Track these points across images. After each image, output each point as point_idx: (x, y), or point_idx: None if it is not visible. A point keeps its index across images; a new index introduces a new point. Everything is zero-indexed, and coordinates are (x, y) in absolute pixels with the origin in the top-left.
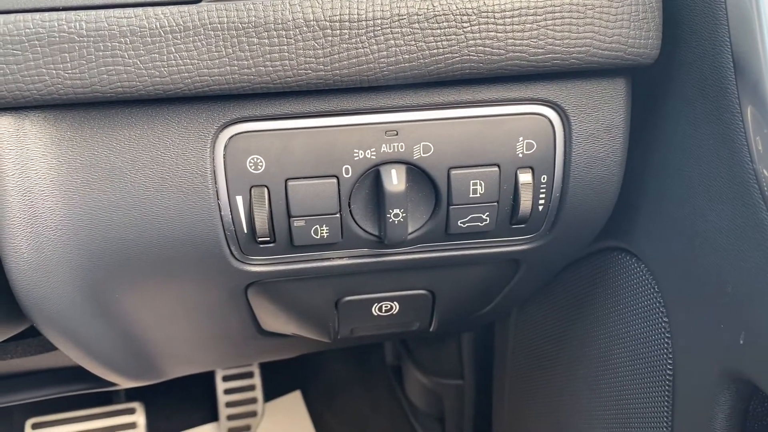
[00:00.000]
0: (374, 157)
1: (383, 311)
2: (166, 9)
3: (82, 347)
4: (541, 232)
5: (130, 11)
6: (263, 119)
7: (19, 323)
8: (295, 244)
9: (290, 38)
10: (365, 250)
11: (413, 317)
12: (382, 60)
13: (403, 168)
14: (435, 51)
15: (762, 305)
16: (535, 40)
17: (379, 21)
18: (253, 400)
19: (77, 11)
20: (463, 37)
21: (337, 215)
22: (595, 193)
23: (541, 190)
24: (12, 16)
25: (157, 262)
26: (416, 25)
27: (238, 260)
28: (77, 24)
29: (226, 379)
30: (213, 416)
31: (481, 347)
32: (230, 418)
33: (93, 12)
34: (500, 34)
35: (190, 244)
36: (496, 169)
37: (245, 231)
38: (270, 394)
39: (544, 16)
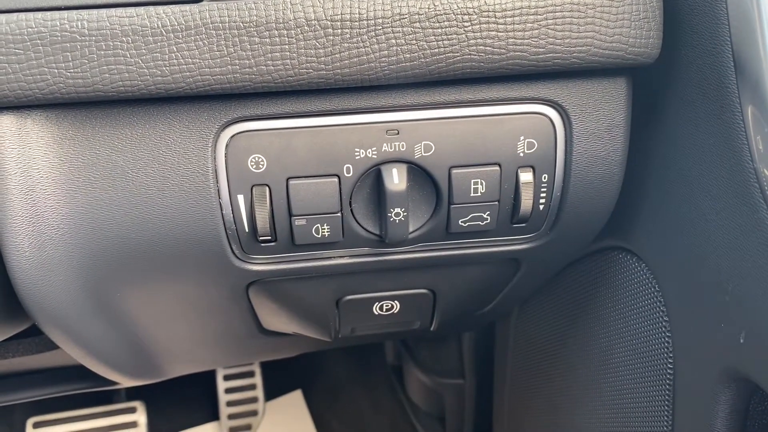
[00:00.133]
0: (375, 157)
1: (384, 310)
2: (168, 8)
3: (84, 346)
4: (542, 231)
5: (131, 10)
6: (264, 118)
7: (21, 322)
8: (296, 243)
9: (291, 37)
10: (366, 249)
11: (414, 316)
12: (383, 59)
13: (404, 167)
14: (436, 50)
15: (762, 304)
16: (535, 39)
17: (380, 20)
18: (254, 400)
19: (79, 10)
20: (464, 36)
21: (338, 214)
22: (595, 193)
23: (542, 190)
24: (14, 16)
25: (158, 261)
26: (417, 25)
27: (240, 259)
28: (79, 23)
29: (226, 378)
30: (214, 415)
31: (482, 347)
32: (231, 417)
33: (95, 11)
34: (501, 34)
35: (192, 242)
36: (497, 168)
37: (246, 230)
38: (271, 394)
39: (544, 15)
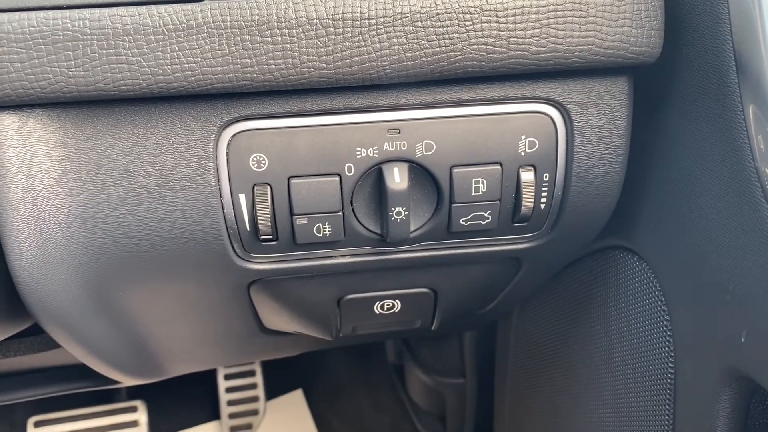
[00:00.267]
0: (377, 156)
1: (385, 309)
2: (170, 7)
3: (85, 345)
4: (543, 230)
5: (133, 9)
6: (266, 117)
7: (23, 321)
8: (298, 242)
9: (293, 36)
10: (367, 249)
11: (415, 315)
12: (385, 58)
13: (405, 166)
14: (437, 49)
15: (764, 303)
16: (537, 38)
17: (381, 19)
18: (255, 399)
19: (81, 9)
20: (465, 35)
21: (340, 213)
22: (597, 192)
23: (543, 189)
24: (16, 15)
25: (159, 260)
26: (419, 24)
27: (241, 258)
28: (81, 22)
29: (227, 377)
30: (215, 414)
31: (483, 346)
32: (232, 416)
33: (97, 10)
34: (502, 33)
35: (193, 241)
36: (498, 167)
37: (248, 229)
38: (272, 393)
39: (546, 14)
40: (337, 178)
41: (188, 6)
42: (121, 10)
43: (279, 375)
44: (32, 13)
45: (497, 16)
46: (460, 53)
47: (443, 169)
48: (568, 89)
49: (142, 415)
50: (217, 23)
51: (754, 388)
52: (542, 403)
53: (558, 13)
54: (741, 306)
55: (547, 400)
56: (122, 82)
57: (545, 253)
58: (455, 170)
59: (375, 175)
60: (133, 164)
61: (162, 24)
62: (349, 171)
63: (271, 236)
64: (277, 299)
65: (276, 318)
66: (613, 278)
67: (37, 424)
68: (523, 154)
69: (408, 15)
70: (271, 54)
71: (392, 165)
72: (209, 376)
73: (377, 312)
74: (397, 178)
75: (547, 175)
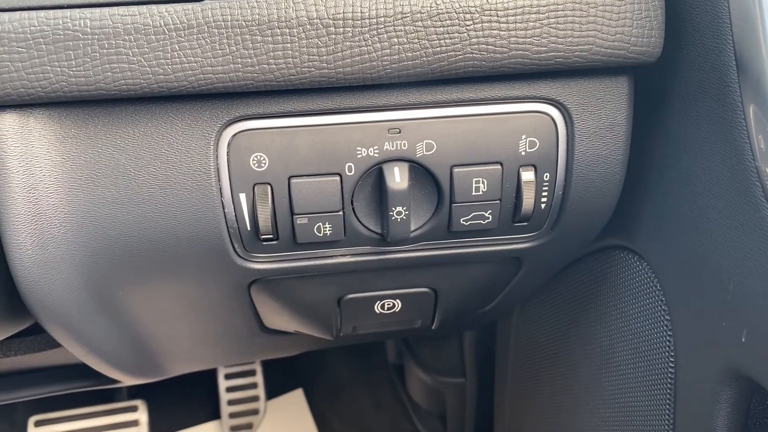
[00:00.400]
0: (377, 155)
1: (385, 309)
2: (170, 7)
3: (86, 344)
4: (544, 230)
5: (134, 9)
6: (266, 117)
7: (23, 320)
8: (298, 241)
9: (293, 36)
10: (368, 248)
11: (415, 315)
12: (385, 58)
13: (405, 166)
14: (438, 49)
15: (764, 303)
16: (537, 38)
17: (382, 19)
18: (255, 398)
19: (81, 9)
20: (465, 35)
21: (340, 213)
22: (597, 192)
23: (544, 189)
24: (17, 14)
25: (160, 260)
26: (419, 23)
27: (241, 258)
28: (82, 22)
29: (228, 377)
30: (215, 414)
31: (483, 345)
32: (232, 416)
33: (97, 10)
34: (503, 33)
35: (194, 241)
36: (499, 167)
37: (248, 228)
38: (272, 392)
39: (546, 14)
40: (337, 178)
41: (189, 6)
42: (122, 9)
43: (279, 374)
44: (33, 13)
45: (498, 16)
46: (460, 53)
47: (444, 169)
48: (568, 89)
49: (142, 415)
50: (218, 23)
51: (754, 388)
52: (542, 402)
53: (558, 12)
54: (741, 306)
55: (548, 399)
56: (123, 81)
57: (545, 252)
58: (456, 170)
59: (375, 174)
60: (133, 164)
61: (162, 24)
62: (350, 171)
63: (271, 236)
64: (278, 299)
65: (276, 318)
66: (614, 278)
67: (38, 424)
68: (523, 153)
69: (408, 15)
70: (272, 54)
71: (393, 165)
72: (209, 376)
73: (377, 312)
74: (398, 178)
75: (548, 174)
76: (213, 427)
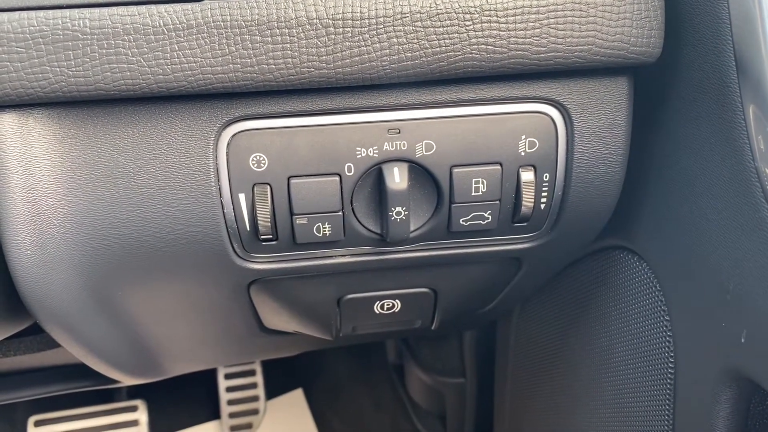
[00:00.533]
0: (377, 156)
1: (385, 309)
2: (170, 7)
3: (85, 344)
4: (543, 230)
5: (133, 9)
6: (266, 117)
7: (22, 320)
8: (298, 241)
9: (293, 36)
10: (367, 248)
11: (415, 315)
12: (385, 58)
13: (405, 166)
14: (437, 49)
15: (764, 303)
16: (537, 38)
17: (381, 19)
18: (255, 398)
19: (81, 9)
20: (465, 35)
21: (340, 213)
22: (597, 192)
23: (543, 189)
24: (16, 14)
25: (159, 260)
26: (419, 24)
27: (241, 258)
28: (81, 22)
29: (228, 377)
30: (215, 414)
31: (483, 346)
32: (232, 415)
33: (97, 10)
34: (503, 33)
35: (193, 241)
36: (498, 167)
37: (248, 229)
38: (272, 392)
39: (546, 14)
40: (337, 178)
41: (188, 6)
42: (121, 9)
43: (279, 374)
44: (32, 13)
45: (497, 16)
46: (460, 53)
47: (443, 169)
48: (568, 89)
49: (142, 415)
50: (217, 23)
51: (754, 388)
52: (542, 402)
53: (558, 13)
54: (741, 306)
55: (547, 399)
56: (122, 81)
57: (545, 253)
58: (455, 170)
59: (375, 174)
60: (132, 164)
61: (162, 24)
62: (349, 171)
63: (270, 236)
64: (277, 299)
65: (276, 318)
66: (613, 278)
67: (38, 423)
68: (523, 154)
69: (408, 15)
70: (271, 54)
71: (392, 165)
72: (209, 376)
73: (377, 312)
74: (397, 178)
75: (547, 175)
76: (213, 427)
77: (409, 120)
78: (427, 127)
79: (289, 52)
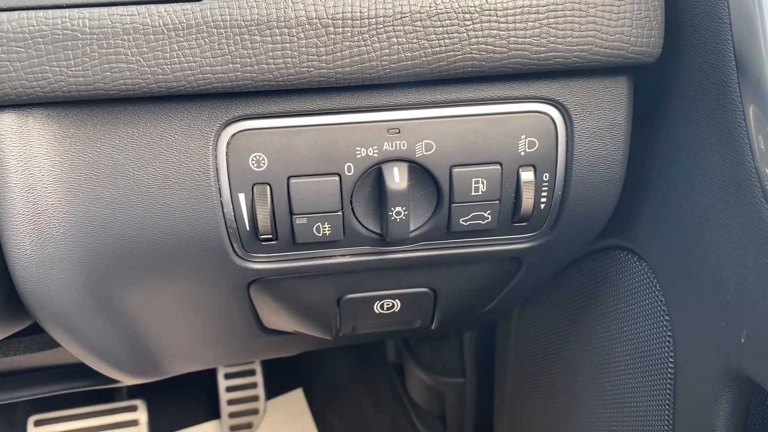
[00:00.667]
0: (376, 155)
1: (385, 309)
2: (169, 7)
3: (85, 344)
4: (543, 230)
5: (133, 9)
6: (266, 117)
7: (22, 320)
8: (297, 241)
9: (292, 36)
10: (367, 248)
11: (415, 315)
12: (384, 58)
13: (405, 166)
14: (437, 49)
15: (764, 303)
16: (537, 38)
17: (381, 19)
18: (255, 398)
19: (80, 9)
20: (465, 35)
21: (339, 213)
22: (597, 192)
23: (543, 189)
24: (16, 14)
25: (159, 259)
26: (418, 23)
27: (241, 257)
28: (81, 21)
29: (227, 376)
30: (215, 414)
31: (483, 345)
32: (232, 415)
33: (96, 10)
34: (502, 33)
35: (193, 241)
36: (498, 167)
37: (247, 228)
38: (272, 392)
39: (546, 14)
40: (336, 178)
41: (188, 5)
42: (121, 9)
43: (279, 374)
44: (32, 13)
45: (497, 16)
46: (459, 53)
47: (443, 169)
48: (568, 89)
49: (142, 414)
50: (217, 23)
51: (754, 388)
52: (542, 402)
53: (558, 12)
54: (741, 306)
55: (547, 399)
56: (122, 81)
57: (545, 253)
58: (455, 170)
59: (375, 174)
60: (132, 164)
61: (161, 23)
62: (349, 171)
63: (270, 236)
64: (277, 299)
65: (276, 317)
66: (613, 278)
67: (38, 423)
68: (523, 153)
69: (408, 14)
70: (271, 54)
71: (392, 165)
72: (209, 376)
73: (377, 311)
74: (397, 178)
75: (547, 175)
76: (213, 426)
77: (408, 120)
78: (427, 127)
79: (289, 51)
